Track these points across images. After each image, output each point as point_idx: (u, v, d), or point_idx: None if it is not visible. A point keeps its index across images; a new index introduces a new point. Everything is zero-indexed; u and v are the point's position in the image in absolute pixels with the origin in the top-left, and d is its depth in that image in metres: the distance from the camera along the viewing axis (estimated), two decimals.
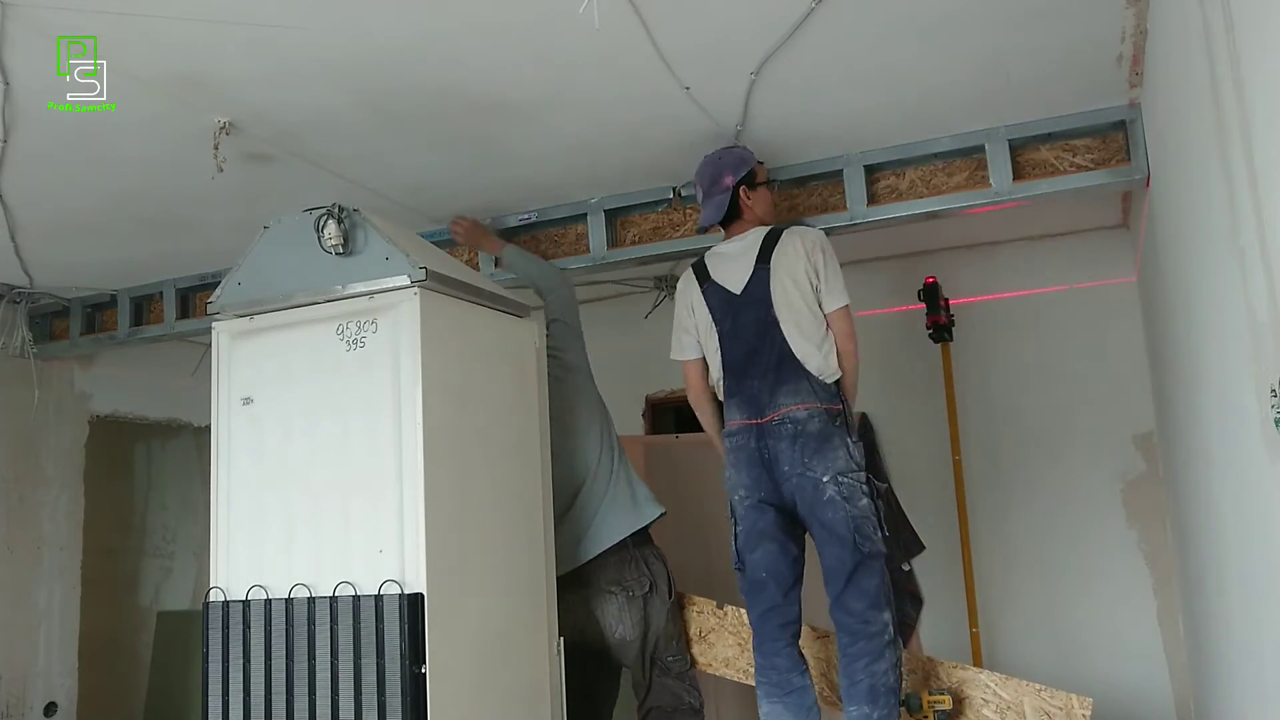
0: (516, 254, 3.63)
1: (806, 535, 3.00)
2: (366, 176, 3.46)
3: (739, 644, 3.27)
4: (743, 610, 3.28)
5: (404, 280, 2.52)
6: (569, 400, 3.25)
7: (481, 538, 2.65)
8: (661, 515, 3.26)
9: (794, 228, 3.08)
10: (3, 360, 4.70)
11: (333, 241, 2.56)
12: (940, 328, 4.17)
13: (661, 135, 3.25)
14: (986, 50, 2.79)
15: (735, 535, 3.02)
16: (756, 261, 3.02)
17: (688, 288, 3.19)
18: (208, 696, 2.53)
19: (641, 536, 3.25)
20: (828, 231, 3.29)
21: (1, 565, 4.68)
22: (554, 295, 3.45)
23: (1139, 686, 4.17)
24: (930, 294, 4.15)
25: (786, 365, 2.92)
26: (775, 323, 2.96)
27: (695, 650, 3.33)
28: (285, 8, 2.36)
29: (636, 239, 3.84)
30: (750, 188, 3.14)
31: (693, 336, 3.18)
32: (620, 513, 3.20)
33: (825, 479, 2.83)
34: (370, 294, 2.55)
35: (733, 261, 3.09)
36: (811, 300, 2.96)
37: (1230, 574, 2.50)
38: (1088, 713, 2.86)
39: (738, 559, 3.02)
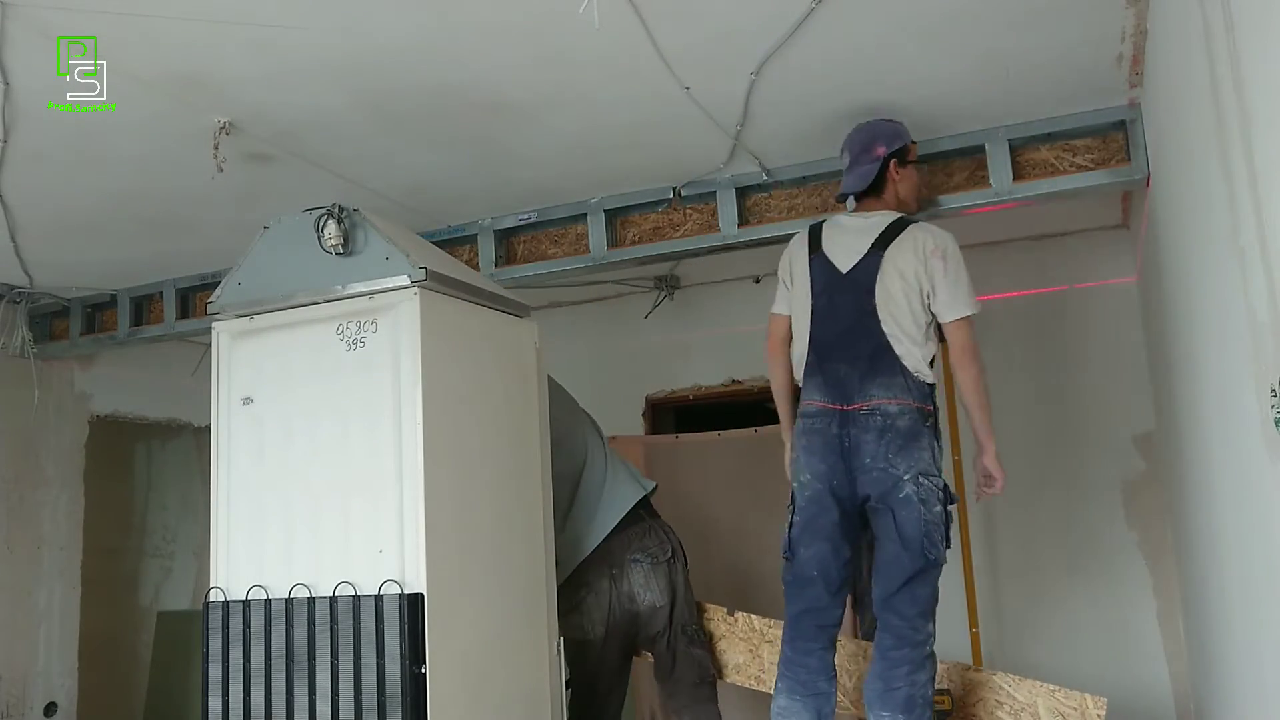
0: None
1: (861, 539, 2.92)
2: (366, 176, 3.46)
3: (749, 650, 3.27)
4: (753, 616, 3.27)
5: (404, 280, 2.52)
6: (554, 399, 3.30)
7: (481, 538, 2.65)
8: (655, 487, 3.38)
9: (923, 224, 2.94)
10: (3, 360, 4.70)
11: (333, 241, 2.56)
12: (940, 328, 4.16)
13: (661, 135, 3.25)
14: (986, 50, 2.79)
15: (791, 524, 2.90)
16: (873, 245, 2.88)
17: (797, 251, 3.03)
18: (208, 696, 2.53)
19: (651, 509, 3.34)
20: None
21: (1, 565, 4.68)
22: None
23: (1139, 686, 4.16)
24: None
25: (883, 357, 2.80)
26: (874, 312, 2.83)
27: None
28: (285, 8, 2.36)
29: (636, 239, 3.84)
30: (901, 163, 3.01)
31: (787, 297, 3.05)
32: (624, 483, 3.30)
33: (906, 477, 2.73)
34: (370, 294, 2.55)
35: (849, 237, 2.94)
36: (916, 302, 2.83)
37: (1230, 574, 2.50)
38: (1102, 712, 2.84)
39: (788, 548, 2.90)
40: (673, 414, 5.43)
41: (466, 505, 2.59)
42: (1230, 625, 2.61)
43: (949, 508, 2.80)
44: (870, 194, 3.02)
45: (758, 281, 4.92)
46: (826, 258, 2.94)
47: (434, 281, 2.55)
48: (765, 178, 3.58)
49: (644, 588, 3.20)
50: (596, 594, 3.19)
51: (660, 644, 3.24)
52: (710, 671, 3.24)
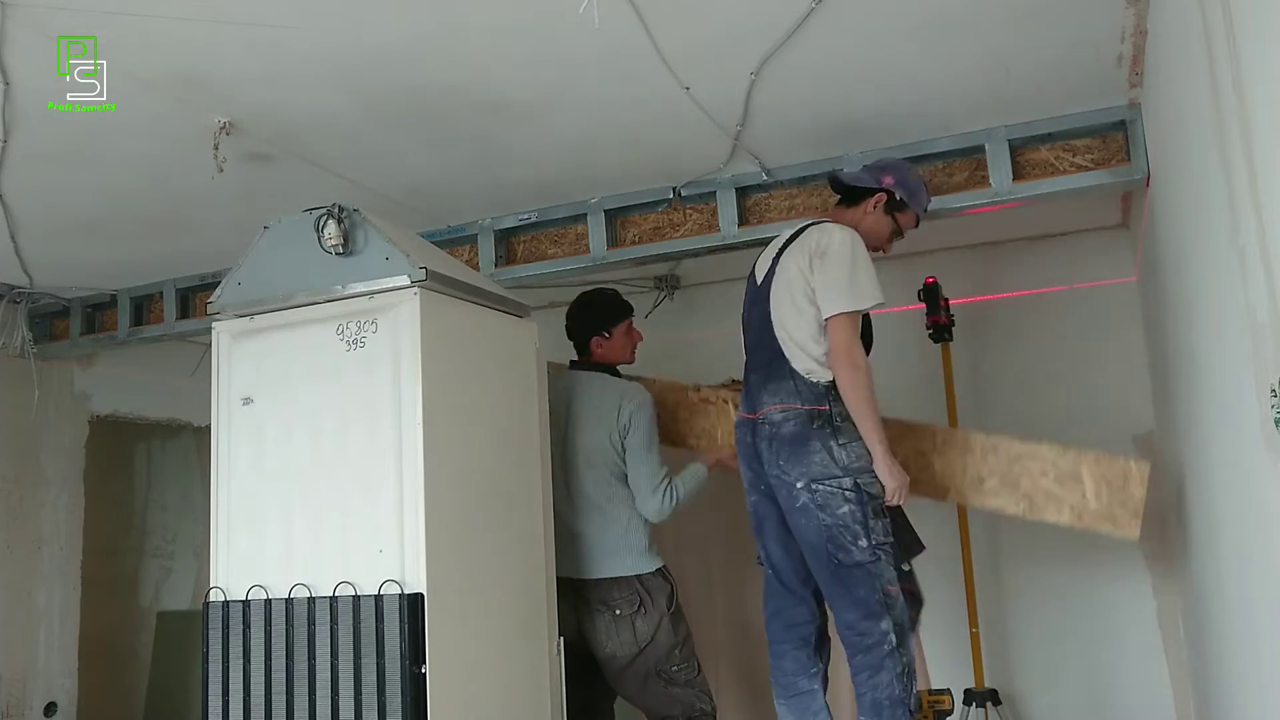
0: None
1: None
2: (366, 176, 3.46)
3: (704, 415, 3.45)
4: (706, 387, 3.49)
5: (404, 280, 2.52)
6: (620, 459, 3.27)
7: (481, 538, 2.65)
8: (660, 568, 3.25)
9: (824, 224, 2.94)
10: (3, 360, 4.70)
11: (333, 241, 2.56)
12: (940, 328, 4.16)
13: (661, 135, 3.25)
14: (986, 50, 2.79)
15: (753, 530, 3.01)
16: (777, 254, 2.97)
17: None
18: (208, 696, 2.54)
19: None
20: None
21: (1, 565, 4.69)
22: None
23: (1139, 687, 4.16)
24: (930, 294, 4.14)
25: (776, 363, 2.86)
26: (769, 320, 2.91)
27: (676, 432, 3.48)
28: (285, 8, 2.36)
29: (636, 239, 3.84)
30: (887, 207, 3.02)
31: None
32: (632, 556, 3.20)
33: (799, 485, 2.74)
34: (370, 294, 2.56)
35: (768, 251, 3.05)
36: (803, 300, 2.84)
37: (1230, 574, 2.50)
38: (1146, 474, 2.86)
39: (759, 553, 3.02)
40: None
41: (466, 505, 2.59)
42: (1229, 625, 2.61)
43: (867, 506, 2.71)
44: (841, 203, 3.09)
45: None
46: (753, 273, 3.05)
47: (434, 281, 2.56)
48: (765, 178, 3.58)
49: (606, 636, 3.14)
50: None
51: (634, 689, 3.21)
52: (699, 708, 3.18)
